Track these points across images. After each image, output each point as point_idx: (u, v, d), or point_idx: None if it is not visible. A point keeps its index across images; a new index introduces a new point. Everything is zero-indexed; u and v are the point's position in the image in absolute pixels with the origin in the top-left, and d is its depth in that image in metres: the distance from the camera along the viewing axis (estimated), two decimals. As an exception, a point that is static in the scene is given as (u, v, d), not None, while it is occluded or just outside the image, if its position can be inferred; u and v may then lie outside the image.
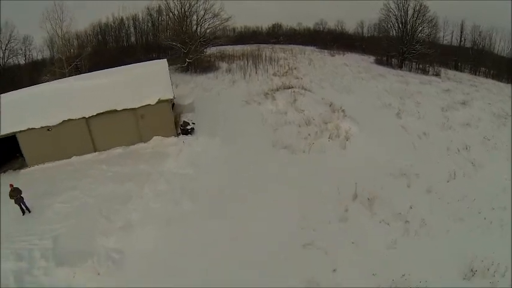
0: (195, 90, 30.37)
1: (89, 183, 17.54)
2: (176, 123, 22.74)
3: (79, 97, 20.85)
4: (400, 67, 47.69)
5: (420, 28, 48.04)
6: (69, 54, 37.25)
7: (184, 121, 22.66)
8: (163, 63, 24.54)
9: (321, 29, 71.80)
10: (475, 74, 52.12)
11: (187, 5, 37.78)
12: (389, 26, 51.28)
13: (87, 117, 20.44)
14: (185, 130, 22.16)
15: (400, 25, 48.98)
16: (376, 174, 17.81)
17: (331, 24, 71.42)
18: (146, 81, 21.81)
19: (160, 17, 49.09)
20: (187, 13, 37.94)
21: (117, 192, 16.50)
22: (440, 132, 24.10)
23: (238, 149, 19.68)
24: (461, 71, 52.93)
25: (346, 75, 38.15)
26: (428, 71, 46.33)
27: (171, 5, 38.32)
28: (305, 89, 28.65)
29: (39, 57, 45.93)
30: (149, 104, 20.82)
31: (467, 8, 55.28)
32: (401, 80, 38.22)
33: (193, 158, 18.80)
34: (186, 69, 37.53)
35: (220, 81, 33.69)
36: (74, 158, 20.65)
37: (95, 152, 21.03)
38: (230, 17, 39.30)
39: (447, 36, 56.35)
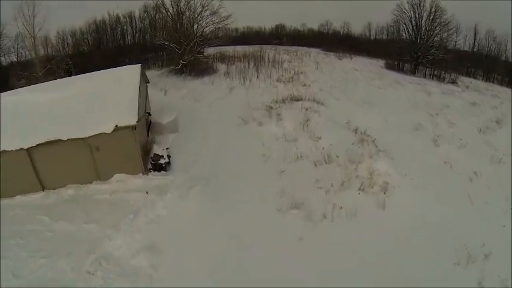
0: (185, 100, 22.18)
1: (20, 249, 10.17)
2: (147, 152, 15.06)
3: (19, 119, 13.13)
4: (414, 73, 39.07)
5: (436, 31, 39.37)
6: (44, 55, 29.77)
7: (155, 154, 14.75)
8: (134, 71, 16.27)
9: (326, 31, 62.96)
10: (489, 81, 43.69)
11: (183, 1, 29.50)
12: (401, 28, 42.56)
13: (26, 148, 12.63)
14: (157, 165, 14.33)
15: (415, 28, 40.33)
16: (434, 260, 10.15)
17: (337, 25, 62.51)
18: (106, 98, 14.03)
19: (158, 15, 40.72)
20: (182, 9, 29.62)
21: (45, 279, 9.24)
22: (490, 168, 16.34)
23: (224, 213, 11.69)
24: (474, 78, 44.35)
25: (359, 82, 29.75)
26: (444, 78, 37.84)
27: (166, 1, 30.09)
28: (318, 103, 20.60)
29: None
30: (104, 133, 12.99)
31: (481, 10, 46.79)
32: (421, 89, 29.94)
33: (154, 231, 10.89)
34: (180, 72, 29.25)
35: (216, 87, 25.33)
36: (18, 197, 12.94)
37: (42, 190, 13.26)
38: (230, 15, 30.86)
39: (459, 40, 47.56)
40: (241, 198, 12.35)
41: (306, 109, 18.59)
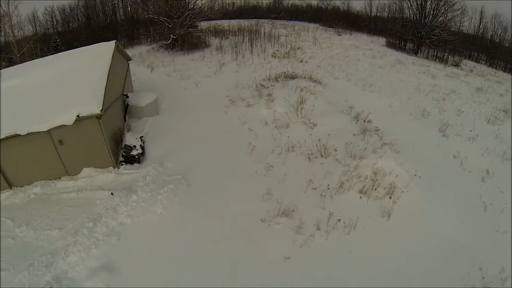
0: (172, 78, 19.49)
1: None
2: (120, 141, 12.64)
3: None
4: (416, 53, 36.37)
5: (441, 11, 36.20)
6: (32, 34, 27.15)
7: (126, 145, 12.30)
8: (107, 49, 13.53)
9: (325, 6, 58.95)
10: (492, 67, 40.96)
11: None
12: (405, 6, 39.30)
13: (-18, 146, 10.30)
14: (129, 158, 11.97)
15: (419, 6, 37.12)
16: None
17: (337, 1, 58.48)
18: (72, 83, 11.56)
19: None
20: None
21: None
22: (502, 166, 14.04)
23: (195, 224, 9.24)
24: (477, 62, 41.64)
25: (359, 60, 26.93)
26: (447, 61, 35.10)
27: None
28: (315, 81, 17.83)
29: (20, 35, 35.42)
30: (64, 125, 10.56)
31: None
32: (425, 70, 27.32)
33: (114, 246, 8.67)
34: (171, 47, 26.51)
35: (206, 63, 22.50)
36: (-13, 197, 10.82)
37: (10, 188, 11.10)
38: None
39: (464, 22, 44.07)
40: (219, 203, 9.91)
41: (301, 89, 15.76)
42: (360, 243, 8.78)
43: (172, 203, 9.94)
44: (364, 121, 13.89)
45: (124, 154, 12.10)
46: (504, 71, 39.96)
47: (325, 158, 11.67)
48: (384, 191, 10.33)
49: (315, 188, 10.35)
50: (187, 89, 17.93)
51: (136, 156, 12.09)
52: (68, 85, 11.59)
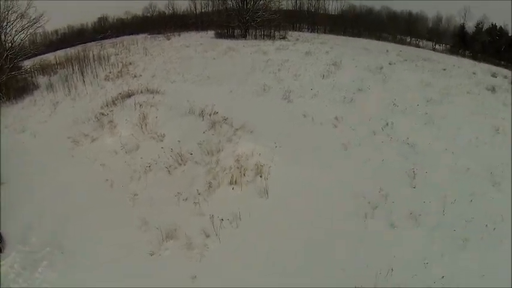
0: (5, 136, 16.19)
1: None
2: None
3: None
4: (245, 36, 39.56)
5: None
6: None
7: None
8: None
9: (151, 14, 59.31)
10: (314, 32, 49.33)
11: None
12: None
13: None
14: None
15: (238, -5, 41.06)
16: (344, 225, 9.01)
17: (162, 6, 60.09)
18: None
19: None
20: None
21: None
22: (345, 108, 16.44)
23: None
24: (301, 31, 48.94)
25: (192, 58, 27.41)
26: (274, 36, 39.38)
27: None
28: (152, 92, 17.17)
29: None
30: None
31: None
32: (256, 50, 29.38)
33: None
34: (-5, 99, 22.06)
35: (38, 107, 19.57)
36: None
37: None
38: (42, 15, 24.46)
39: (283, 1, 51.10)
40: (100, 256, 8.67)
41: (140, 105, 15.02)
42: (252, 228, 9.02)
43: (54, 281, 8.27)
44: (210, 115, 14.04)
45: (-21, 250, 9.62)
46: (324, 32, 49.07)
47: (184, 165, 11.40)
48: (253, 173, 10.68)
49: (186, 199, 10.02)
50: (27, 142, 15.37)
51: (-5, 248, 9.73)
52: None
